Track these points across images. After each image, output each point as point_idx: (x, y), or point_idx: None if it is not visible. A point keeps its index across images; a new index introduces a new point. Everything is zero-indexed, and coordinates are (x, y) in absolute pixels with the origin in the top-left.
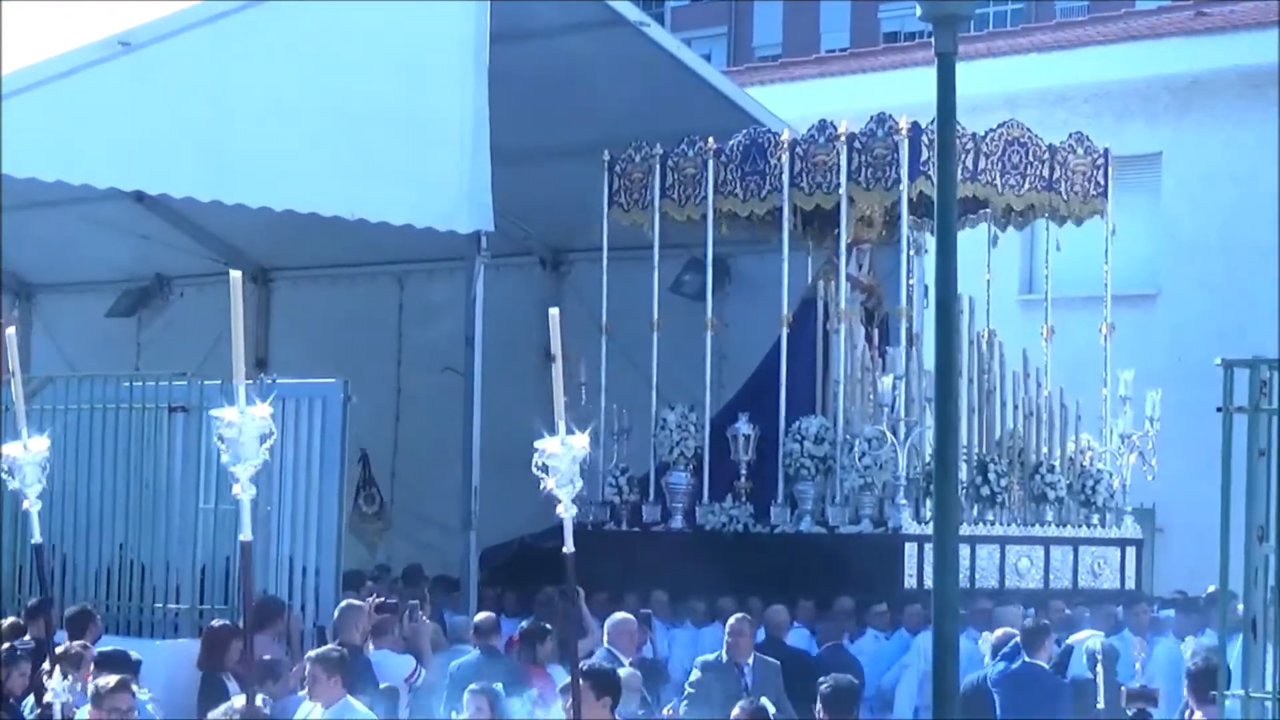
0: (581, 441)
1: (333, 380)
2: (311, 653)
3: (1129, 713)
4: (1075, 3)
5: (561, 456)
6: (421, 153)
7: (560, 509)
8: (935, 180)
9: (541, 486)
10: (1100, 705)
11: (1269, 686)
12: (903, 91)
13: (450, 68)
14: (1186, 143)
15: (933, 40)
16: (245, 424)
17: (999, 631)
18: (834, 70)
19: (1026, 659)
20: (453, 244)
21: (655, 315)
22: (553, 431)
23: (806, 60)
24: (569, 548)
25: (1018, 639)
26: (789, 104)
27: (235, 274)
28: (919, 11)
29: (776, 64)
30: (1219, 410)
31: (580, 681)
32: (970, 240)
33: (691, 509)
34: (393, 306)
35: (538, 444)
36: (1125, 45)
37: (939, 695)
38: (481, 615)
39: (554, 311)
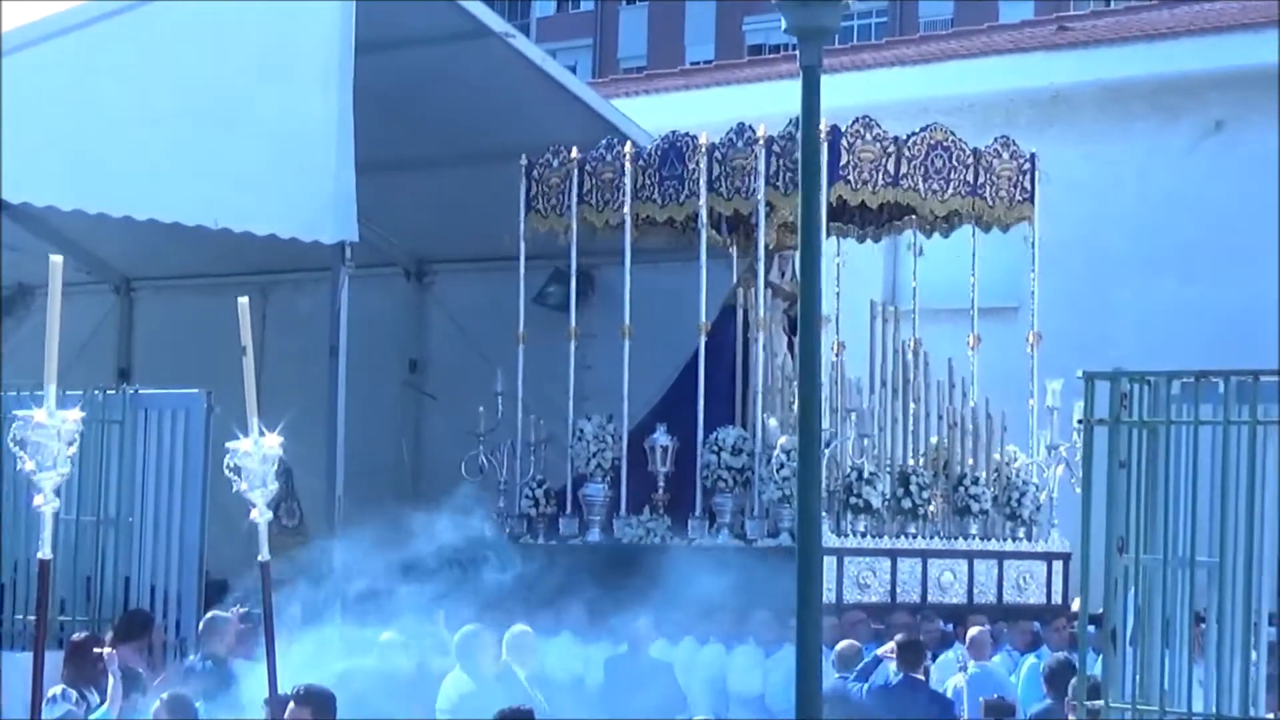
0: (273, 442)
1: (195, 391)
2: None
3: None
4: (939, 16)
5: (253, 456)
6: (286, 163)
7: (254, 514)
8: (800, 190)
9: (235, 489)
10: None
11: (1128, 697)
12: (767, 104)
13: (315, 78)
14: (1049, 156)
15: (798, 53)
16: (55, 428)
17: (842, 644)
18: (698, 82)
19: (906, 673)
20: (317, 254)
21: (573, 324)
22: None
23: (671, 72)
24: (264, 556)
25: (877, 653)
26: (654, 115)
27: (55, 259)
28: (784, 24)
29: (641, 75)
30: (1080, 422)
31: (293, 703)
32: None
33: (609, 522)
34: (257, 317)
35: (229, 444)
36: (988, 59)
37: (801, 708)
38: None
39: (243, 300)
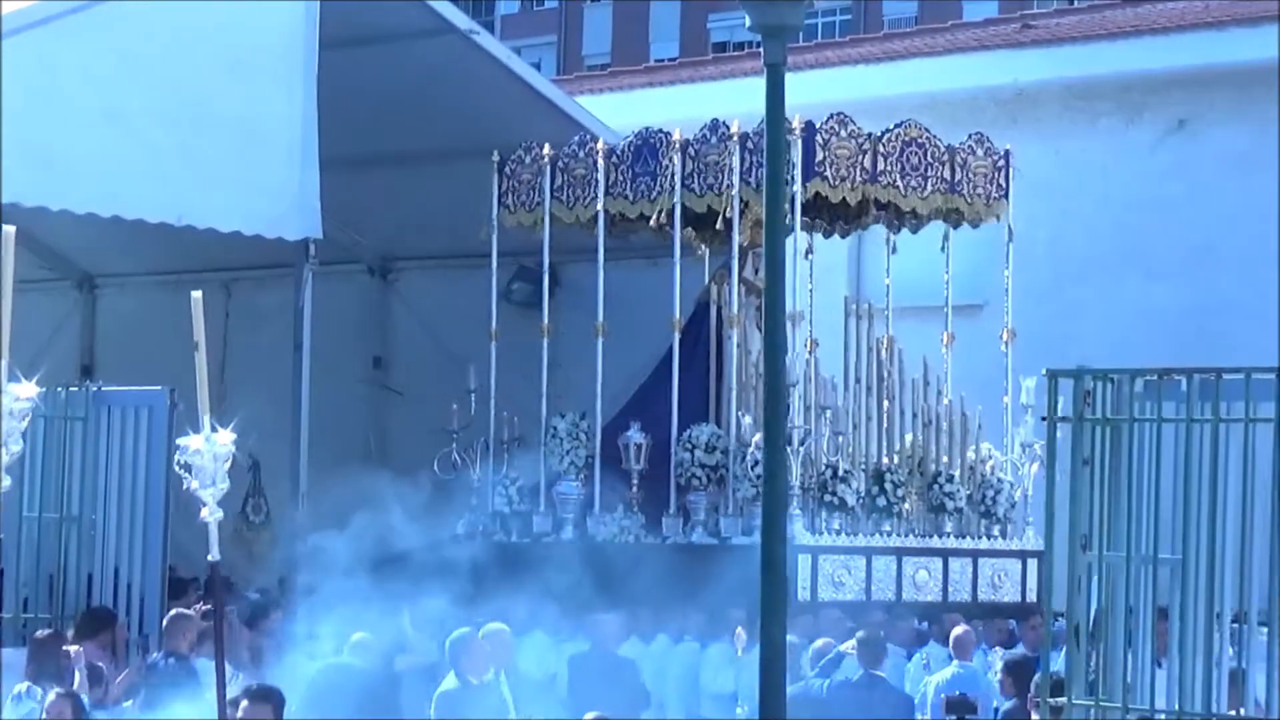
0: (225, 439)
1: (159, 388)
2: None
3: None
4: (902, 14)
5: (205, 454)
6: (250, 159)
7: (205, 513)
8: (765, 186)
9: (185, 487)
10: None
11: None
12: (731, 101)
13: (279, 74)
14: (1013, 154)
15: (762, 51)
16: (6, 407)
17: (819, 641)
18: (663, 80)
19: (867, 670)
20: (281, 251)
21: (545, 321)
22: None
23: (635, 69)
24: (214, 555)
25: (839, 648)
26: (618, 112)
27: (8, 229)
28: (748, 22)
29: (605, 73)
30: (1044, 419)
31: (249, 702)
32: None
33: (583, 519)
34: (220, 314)
35: (180, 441)
36: (952, 57)
37: (765, 704)
38: None
39: (196, 295)
